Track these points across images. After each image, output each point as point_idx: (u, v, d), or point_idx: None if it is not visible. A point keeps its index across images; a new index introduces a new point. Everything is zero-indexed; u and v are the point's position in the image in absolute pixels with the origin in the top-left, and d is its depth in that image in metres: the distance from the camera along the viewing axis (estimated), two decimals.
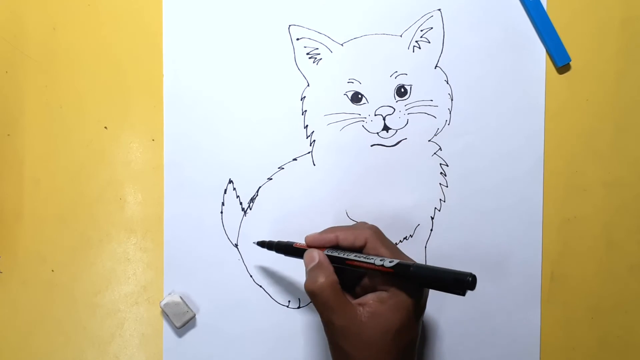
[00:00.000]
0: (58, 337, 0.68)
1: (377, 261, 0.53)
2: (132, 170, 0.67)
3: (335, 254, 0.57)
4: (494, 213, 0.68)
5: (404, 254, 0.59)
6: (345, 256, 0.56)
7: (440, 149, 0.67)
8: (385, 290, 0.54)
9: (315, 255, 0.57)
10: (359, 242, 0.57)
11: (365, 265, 0.54)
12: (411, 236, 0.68)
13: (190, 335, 0.67)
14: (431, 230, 0.68)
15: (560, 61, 0.67)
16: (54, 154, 0.67)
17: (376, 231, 0.58)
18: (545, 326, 0.69)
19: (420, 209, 0.68)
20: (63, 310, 0.67)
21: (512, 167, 0.68)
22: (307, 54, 0.67)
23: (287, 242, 0.62)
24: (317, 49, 0.67)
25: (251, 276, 0.67)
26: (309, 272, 0.56)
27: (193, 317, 0.67)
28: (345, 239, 0.57)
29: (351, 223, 0.67)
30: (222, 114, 0.67)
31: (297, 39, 0.67)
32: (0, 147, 0.67)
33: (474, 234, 0.68)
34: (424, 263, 0.59)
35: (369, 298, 0.54)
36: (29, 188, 0.67)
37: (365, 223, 0.60)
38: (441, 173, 0.68)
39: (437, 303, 0.68)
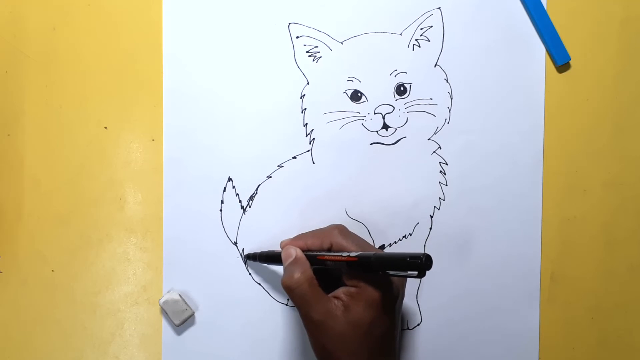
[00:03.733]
0: (58, 337, 0.67)
1: (344, 254, 0.55)
2: (132, 170, 0.67)
3: (307, 253, 0.59)
4: (493, 212, 0.68)
5: (376, 248, 0.63)
6: (315, 253, 0.58)
7: (439, 147, 0.68)
8: (355, 286, 0.55)
9: (292, 251, 0.59)
10: (325, 245, 0.59)
11: (333, 258, 0.56)
12: (410, 235, 0.68)
13: (189, 333, 0.67)
14: (430, 228, 0.68)
15: (560, 60, 0.67)
16: (54, 154, 0.67)
17: (341, 230, 0.61)
18: (544, 326, 0.69)
19: (420, 208, 0.68)
20: (63, 310, 0.67)
21: (511, 166, 0.68)
22: (307, 52, 0.67)
23: (269, 250, 0.64)
24: (317, 47, 0.67)
25: (250, 274, 0.68)
26: (286, 268, 0.58)
27: (192, 315, 0.67)
28: (313, 243, 0.60)
29: (351, 221, 0.67)
30: (221, 112, 0.67)
31: (297, 37, 0.67)
32: (0, 147, 0.67)
33: (474, 233, 0.68)
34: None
35: (341, 292, 0.56)
36: (29, 188, 0.67)
37: (332, 225, 0.62)
38: (441, 172, 0.68)
39: (437, 302, 0.68)
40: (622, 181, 0.69)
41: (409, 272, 0.49)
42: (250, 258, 0.66)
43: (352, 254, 0.54)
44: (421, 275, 0.48)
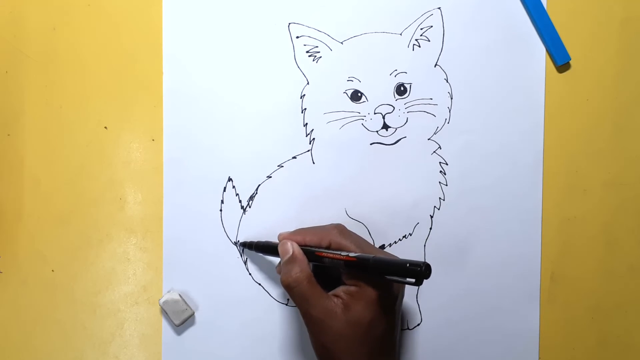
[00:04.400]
0: (58, 337, 0.67)
1: (342, 253, 0.55)
2: (132, 170, 0.67)
3: (305, 248, 0.59)
4: (493, 212, 0.68)
5: (376, 248, 0.63)
6: (313, 249, 0.59)
7: (439, 147, 0.67)
8: (355, 285, 0.55)
9: (289, 247, 0.59)
10: (324, 243, 0.59)
11: (331, 256, 0.56)
12: (410, 235, 0.68)
13: (189, 333, 0.67)
14: (430, 229, 0.68)
15: (560, 60, 0.67)
16: (54, 154, 0.67)
17: (341, 230, 0.60)
18: (544, 326, 0.69)
19: (420, 208, 0.68)
20: (63, 310, 0.67)
21: (511, 166, 0.68)
22: (307, 52, 0.67)
23: (266, 241, 0.64)
24: (317, 47, 0.67)
25: (250, 274, 0.68)
26: (284, 266, 0.58)
27: (192, 315, 0.67)
28: (311, 240, 0.60)
29: (351, 221, 0.67)
30: (221, 111, 0.67)
31: (297, 37, 0.67)
32: (0, 147, 0.67)
33: (474, 233, 0.68)
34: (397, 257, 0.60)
35: (341, 290, 0.56)
36: (29, 188, 0.67)
37: (331, 224, 0.62)
38: (441, 172, 0.68)
39: (437, 302, 0.68)
40: (622, 181, 0.69)
41: (407, 279, 0.50)
42: (246, 246, 0.66)
43: (351, 254, 0.54)
44: (418, 283, 0.49)
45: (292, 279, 0.56)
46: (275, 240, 0.63)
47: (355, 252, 0.55)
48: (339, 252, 0.56)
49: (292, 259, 0.58)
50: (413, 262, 0.49)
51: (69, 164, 0.67)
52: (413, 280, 0.49)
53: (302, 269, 0.57)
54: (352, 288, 0.55)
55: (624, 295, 0.69)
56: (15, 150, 0.67)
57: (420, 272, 0.48)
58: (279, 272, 0.61)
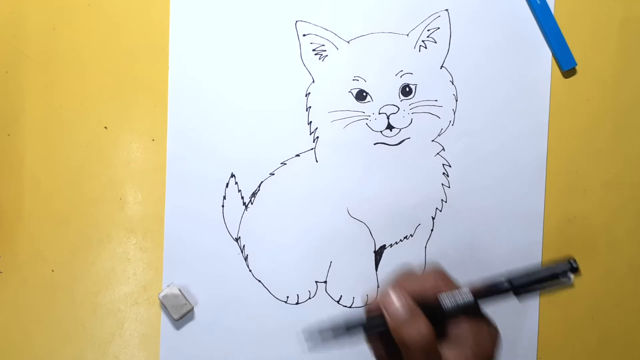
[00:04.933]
0: (58, 337, 0.67)
1: (463, 289, 0.47)
2: (132, 170, 0.67)
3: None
4: (495, 214, 0.68)
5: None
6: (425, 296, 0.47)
7: (443, 149, 0.67)
8: (462, 335, 0.46)
9: (403, 302, 0.45)
10: (429, 291, 0.47)
11: (455, 297, 0.46)
12: (412, 235, 0.68)
13: (188, 327, 0.67)
14: (432, 230, 0.68)
15: (566, 65, 0.67)
16: (54, 154, 0.67)
17: (442, 272, 0.50)
18: (544, 326, 0.69)
19: (422, 209, 0.68)
20: (63, 310, 0.67)
21: (514, 169, 0.68)
22: (313, 50, 0.67)
23: (357, 317, 0.47)
24: (323, 45, 0.67)
25: (250, 271, 0.67)
26: (404, 324, 0.45)
27: (191, 310, 0.67)
28: (414, 292, 0.47)
29: (352, 221, 0.67)
30: (226, 108, 0.67)
31: (304, 35, 0.67)
32: (0, 147, 0.66)
33: (475, 235, 0.68)
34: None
35: (448, 355, 0.46)
36: (29, 188, 0.67)
37: (430, 268, 0.50)
38: (443, 173, 0.68)
39: None
40: (622, 181, 0.69)
41: (560, 281, 0.44)
42: (329, 336, 0.46)
43: (477, 285, 0.47)
44: (569, 284, 0.43)
45: (424, 337, 0.44)
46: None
47: (467, 289, 0.47)
48: (459, 290, 0.47)
49: (416, 312, 0.45)
50: (558, 262, 0.44)
51: (69, 164, 0.67)
52: (570, 281, 0.43)
53: (427, 324, 0.45)
54: (468, 339, 0.46)
55: (624, 295, 0.70)
56: (15, 150, 0.66)
57: (572, 268, 0.43)
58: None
